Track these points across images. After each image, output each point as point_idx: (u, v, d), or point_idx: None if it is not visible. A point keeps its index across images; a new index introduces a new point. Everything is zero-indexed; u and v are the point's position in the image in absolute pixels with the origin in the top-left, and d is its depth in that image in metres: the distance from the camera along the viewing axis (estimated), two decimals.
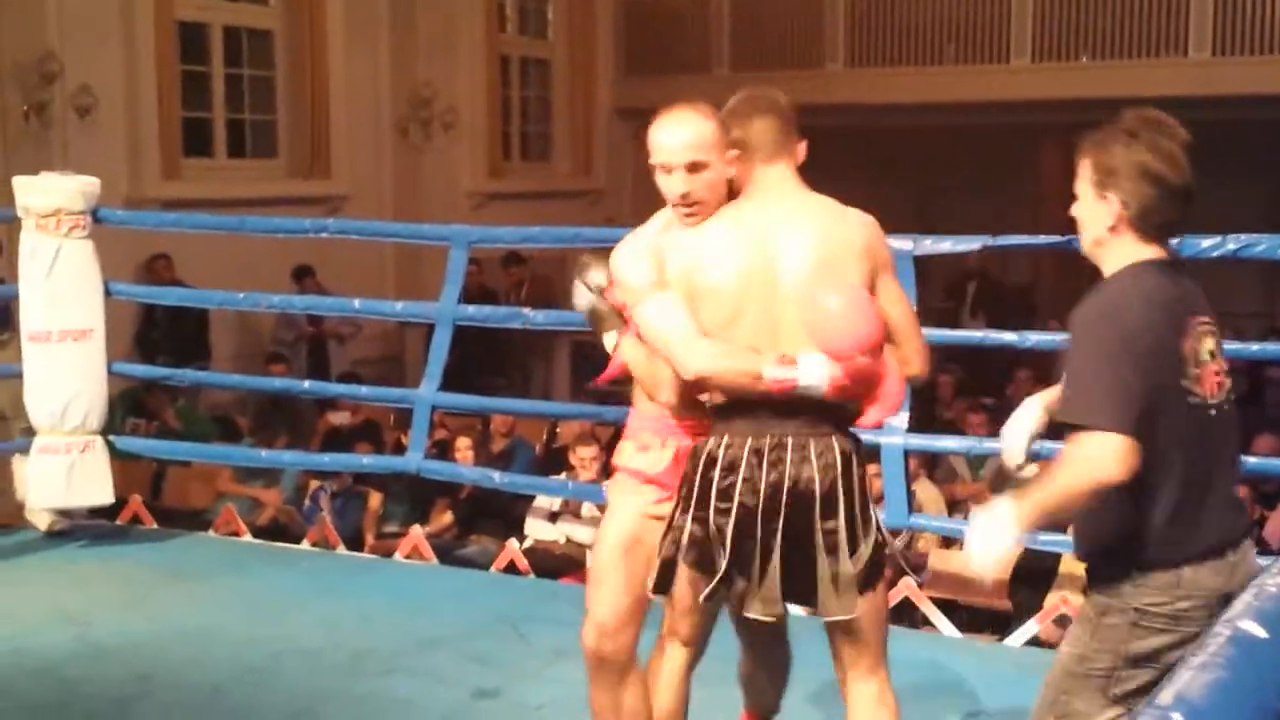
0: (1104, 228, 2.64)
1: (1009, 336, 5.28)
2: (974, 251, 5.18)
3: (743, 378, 2.87)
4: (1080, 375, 2.56)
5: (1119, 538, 2.61)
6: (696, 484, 2.94)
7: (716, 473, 2.91)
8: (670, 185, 3.00)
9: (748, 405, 2.90)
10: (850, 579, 2.91)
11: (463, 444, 7.49)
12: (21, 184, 5.81)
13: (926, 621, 5.37)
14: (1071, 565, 5.40)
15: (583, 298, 3.21)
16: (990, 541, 2.58)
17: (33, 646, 4.71)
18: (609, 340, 3.15)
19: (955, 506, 7.36)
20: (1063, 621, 4.97)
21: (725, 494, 2.90)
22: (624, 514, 3.18)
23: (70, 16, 9.18)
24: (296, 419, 9.09)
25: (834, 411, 2.94)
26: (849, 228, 2.98)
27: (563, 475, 7.01)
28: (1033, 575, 5.86)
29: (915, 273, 4.91)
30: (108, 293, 5.94)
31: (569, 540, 6.97)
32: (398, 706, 4.25)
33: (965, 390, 9.58)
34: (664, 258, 3.01)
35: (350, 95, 11.41)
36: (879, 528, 2.98)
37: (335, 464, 7.05)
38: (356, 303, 6.64)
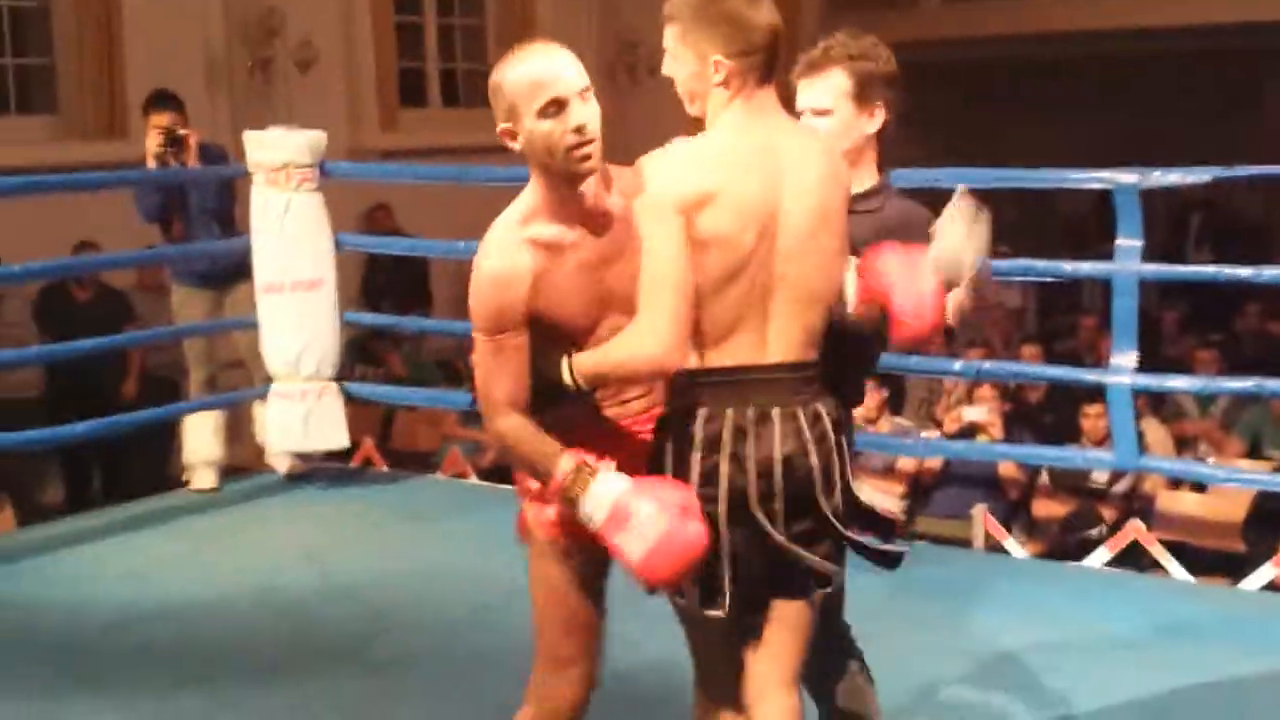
0: None
1: (1243, 271, 5.09)
2: (1204, 184, 5.00)
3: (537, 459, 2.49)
4: None
5: None
6: (670, 464, 2.48)
7: (696, 452, 2.45)
8: (565, 123, 2.46)
9: (724, 372, 2.46)
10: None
11: None
12: (251, 139, 5.99)
13: (1155, 565, 5.25)
14: None
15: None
16: None
17: (277, 584, 4.92)
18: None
19: (1183, 445, 7.17)
20: None
21: (709, 477, 2.44)
22: None
23: None
24: None
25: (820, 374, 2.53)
26: (841, 170, 2.57)
27: None
28: (1267, 517, 5.70)
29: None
30: (336, 244, 6.12)
31: None
32: (624, 644, 4.32)
33: (1191, 326, 9.30)
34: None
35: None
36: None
37: None
38: None
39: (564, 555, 2.68)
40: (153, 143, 5.95)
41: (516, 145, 2.51)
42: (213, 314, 6.17)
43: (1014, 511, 6.67)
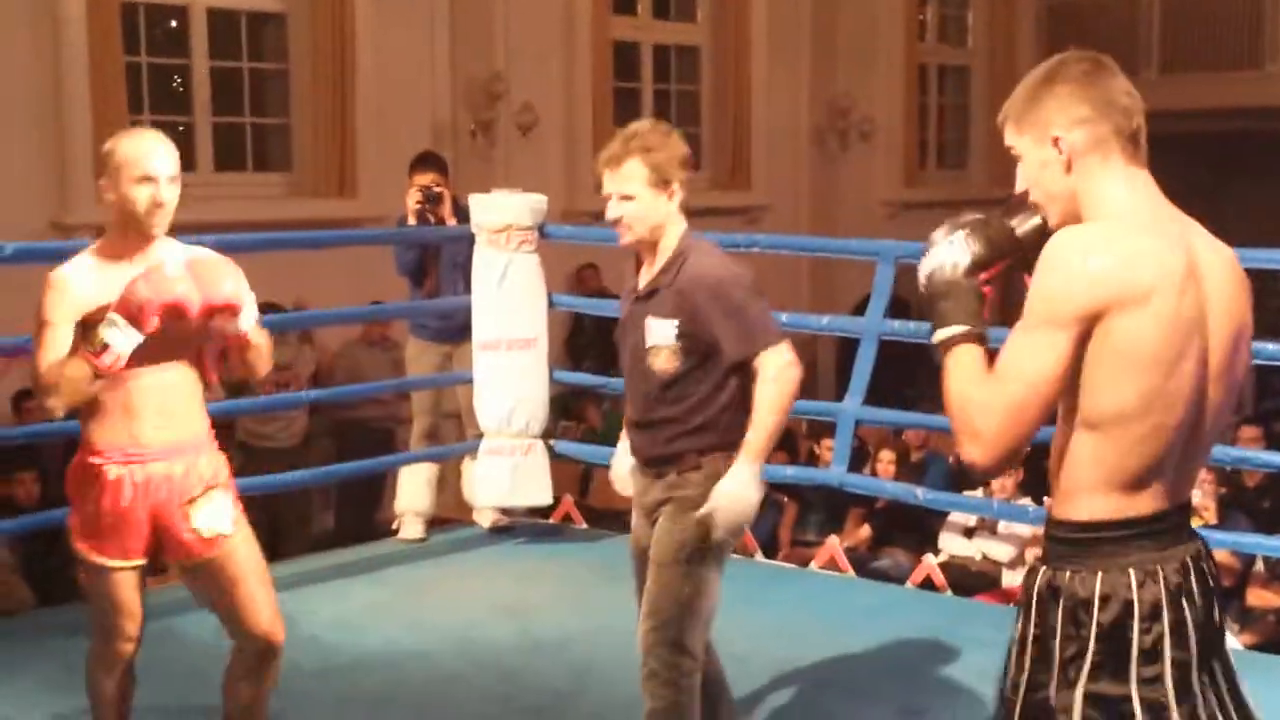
0: None
1: None
2: None
3: None
4: None
5: None
6: (1096, 641, 2.10)
7: (1135, 623, 2.10)
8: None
9: (1144, 522, 2.14)
10: None
11: (885, 457, 7.51)
12: (476, 201, 6.18)
13: None
14: None
15: (953, 255, 2.28)
16: None
17: (479, 637, 5.03)
18: (943, 334, 2.23)
19: None
20: None
21: (1153, 653, 2.10)
22: None
23: (516, 38, 9.72)
24: None
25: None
26: None
27: (978, 491, 6.94)
28: None
29: None
30: (550, 304, 6.27)
31: (985, 557, 6.89)
32: (822, 718, 4.32)
33: None
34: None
35: (770, 107, 11.61)
36: None
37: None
38: (783, 317, 6.73)
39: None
40: (412, 200, 6.20)
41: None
42: (442, 367, 6.37)
43: (1227, 600, 6.44)
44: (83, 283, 3.20)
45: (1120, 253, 2.08)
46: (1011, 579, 6.66)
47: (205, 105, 8.70)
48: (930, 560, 6.38)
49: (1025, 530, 6.59)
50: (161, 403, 3.28)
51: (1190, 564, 2.15)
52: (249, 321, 3.29)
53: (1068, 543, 2.16)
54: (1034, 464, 7.62)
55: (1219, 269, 2.19)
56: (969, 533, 6.94)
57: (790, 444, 8.58)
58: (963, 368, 2.17)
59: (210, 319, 3.22)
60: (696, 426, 3.46)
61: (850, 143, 12.39)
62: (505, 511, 6.36)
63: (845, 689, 4.54)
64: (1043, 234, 2.23)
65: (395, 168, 6.70)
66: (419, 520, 6.25)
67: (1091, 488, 2.13)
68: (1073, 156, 2.19)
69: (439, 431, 6.50)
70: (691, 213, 3.53)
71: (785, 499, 7.92)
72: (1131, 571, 2.10)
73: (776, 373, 3.42)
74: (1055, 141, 2.19)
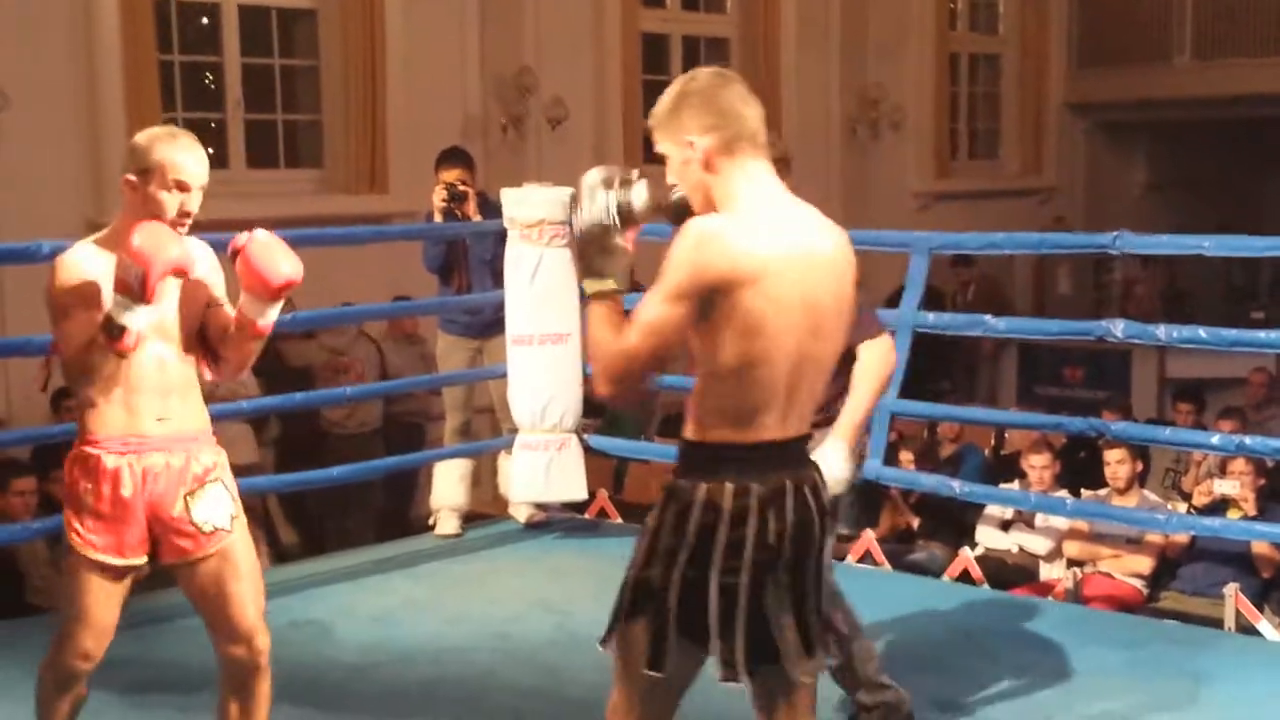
0: None
1: None
2: None
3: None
4: None
5: None
6: (692, 536, 2.63)
7: (723, 525, 2.61)
8: None
9: (747, 449, 2.65)
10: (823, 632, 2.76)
11: (904, 457, 7.47)
12: (508, 196, 6.17)
13: None
14: None
15: (601, 207, 2.69)
16: None
17: (517, 633, 5.03)
18: (595, 285, 2.70)
19: None
20: None
21: (734, 549, 2.61)
22: None
23: (546, 32, 9.72)
24: None
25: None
26: None
27: (1015, 483, 6.92)
28: None
29: None
30: (582, 298, 6.25)
31: (1021, 550, 6.86)
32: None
33: None
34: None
35: (800, 98, 11.57)
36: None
37: None
38: None
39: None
40: (437, 196, 6.21)
41: None
42: (473, 362, 6.38)
43: (1267, 591, 6.40)
44: (91, 263, 3.17)
45: (734, 242, 2.56)
46: (1049, 572, 6.63)
47: (237, 102, 8.73)
48: (967, 553, 6.35)
49: (1062, 523, 6.55)
50: (161, 392, 3.24)
51: (789, 486, 2.65)
52: (274, 315, 3.28)
53: (686, 458, 2.71)
54: (1071, 458, 7.61)
55: (825, 250, 2.69)
56: (1005, 525, 6.91)
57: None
58: (604, 317, 2.66)
59: (209, 302, 3.26)
60: None
61: (881, 133, 12.34)
62: (541, 507, 6.37)
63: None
64: (684, 206, 2.72)
65: (426, 163, 6.70)
66: (454, 516, 6.27)
67: (708, 418, 2.66)
68: (707, 156, 2.66)
69: (471, 427, 6.51)
70: None
71: None
72: (728, 485, 2.62)
73: None
74: (690, 145, 2.67)
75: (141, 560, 3.29)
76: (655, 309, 2.59)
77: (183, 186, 3.17)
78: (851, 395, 3.57)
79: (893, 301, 8.24)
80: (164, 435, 3.25)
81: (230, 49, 8.69)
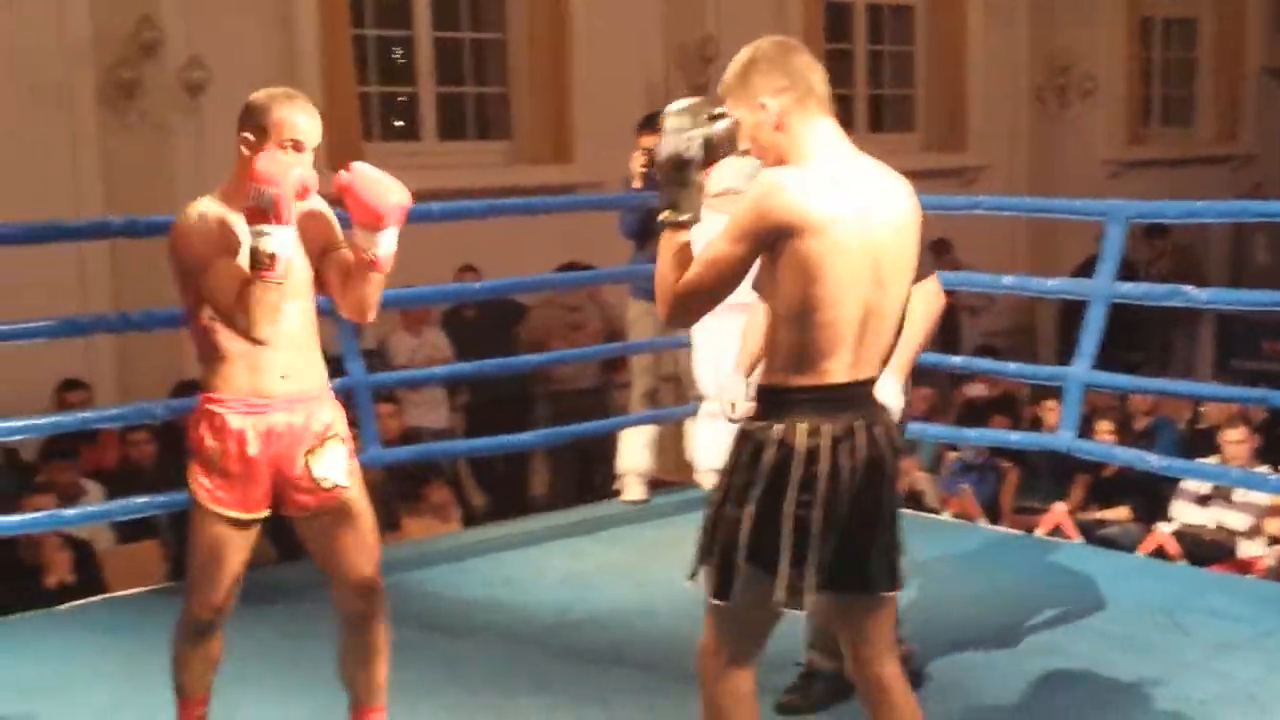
0: None
1: None
2: None
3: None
4: None
5: None
6: (767, 472, 2.78)
7: (796, 462, 2.77)
8: None
9: (817, 391, 2.80)
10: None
11: (1104, 427, 7.32)
12: None
13: None
14: None
15: (684, 141, 2.83)
16: None
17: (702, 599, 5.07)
18: (671, 217, 2.86)
19: None
20: None
21: (807, 485, 2.77)
22: None
23: (728, 1, 9.71)
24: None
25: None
26: None
27: (1212, 458, 6.73)
28: None
29: None
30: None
31: (1220, 526, 6.69)
32: (1050, 688, 4.25)
33: None
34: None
35: (988, 66, 11.38)
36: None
37: (982, 439, 7.05)
38: (1006, 279, 6.60)
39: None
40: (637, 162, 6.26)
41: None
42: (662, 329, 6.42)
43: None
44: (214, 211, 3.22)
45: (798, 191, 2.72)
46: (1248, 549, 6.45)
47: (429, 75, 8.90)
48: (1162, 529, 6.22)
49: (1263, 499, 6.37)
50: (288, 347, 3.26)
51: (860, 425, 2.81)
52: (388, 246, 3.23)
53: (762, 400, 2.86)
54: (1270, 433, 7.38)
55: (889, 203, 2.83)
56: (1203, 500, 6.73)
57: (1012, 409, 8.44)
58: (674, 248, 2.84)
59: (328, 246, 3.31)
60: None
61: (1070, 101, 12.06)
62: None
63: (1071, 656, 4.45)
64: (733, 135, 2.85)
65: (610, 133, 6.77)
66: (641, 482, 6.33)
67: (780, 363, 2.82)
68: (779, 116, 2.82)
69: (658, 393, 6.55)
70: (905, 174, 3.42)
71: (1006, 465, 7.79)
72: (800, 425, 2.77)
73: None
74: (763, 107, 2.82)
75: (265, 514, 3.39)
76: (718, 246, 2.78)
77: (298, 146, 3.18)
78: (903, 335, 3.56)
79: (1081, 271, 8.08)
80: (286, 394, 3.30)
81: (421, 23, 8.87)
